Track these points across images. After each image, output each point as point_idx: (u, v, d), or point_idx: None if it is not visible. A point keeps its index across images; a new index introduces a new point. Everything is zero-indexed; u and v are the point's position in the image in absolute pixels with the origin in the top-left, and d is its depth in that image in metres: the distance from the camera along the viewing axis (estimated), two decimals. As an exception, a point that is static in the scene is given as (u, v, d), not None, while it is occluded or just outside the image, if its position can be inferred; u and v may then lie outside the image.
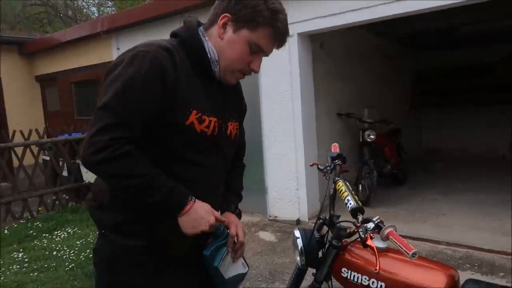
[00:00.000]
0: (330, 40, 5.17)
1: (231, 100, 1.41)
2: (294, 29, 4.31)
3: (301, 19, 4.33)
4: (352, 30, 5.18)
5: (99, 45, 6.92)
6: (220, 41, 1.26)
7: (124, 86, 1.12)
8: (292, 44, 4.46)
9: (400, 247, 1.23)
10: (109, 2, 22.68)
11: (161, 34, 5.77)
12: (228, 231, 1.33)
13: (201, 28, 1.31)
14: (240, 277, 1.40)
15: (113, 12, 20.91)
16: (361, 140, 5.37)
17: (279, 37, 1.27)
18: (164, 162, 1.21)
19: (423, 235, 4.00)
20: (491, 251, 3.56)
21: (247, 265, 1.45)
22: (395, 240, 1.25)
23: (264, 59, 1.35)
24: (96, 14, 21.95)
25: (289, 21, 1.32)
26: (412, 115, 8.28)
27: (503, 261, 3.38)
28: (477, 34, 6.74)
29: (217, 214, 1.26)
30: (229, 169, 1.47)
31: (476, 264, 3.37)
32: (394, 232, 1.29)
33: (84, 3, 21.22)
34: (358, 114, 5.62)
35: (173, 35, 1.30)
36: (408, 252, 1.20)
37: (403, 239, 1.25)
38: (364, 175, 5.16)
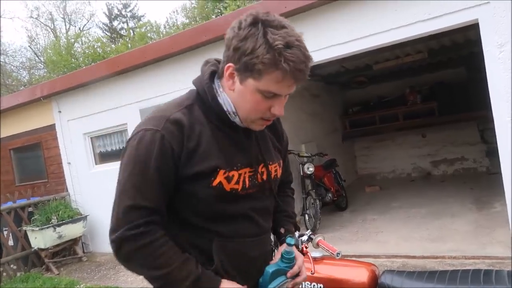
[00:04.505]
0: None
1: (267, 140, 1.38)
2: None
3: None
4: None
5: (39, 109, 6.97)
6: (232, 93, 1.19)
7: (136, 171, 1.15)
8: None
9: (327, 250, 1.62)
10: (40, 64, 22.35)
11: (101, 94, 5.94)
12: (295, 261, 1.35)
13: (217, 78, 1.25)
14: None
15: (45, 74, 20.63)
16: (301, 173, 5.86)
17: (291, 76, 1.09)
18: (202, 222, 1.24)
19: (366, 252, 4.46)
20: (422, 257, 4.07)
21: None
22: (323, 246, 1.64)
23: None
24: (27, 77, 21.48)
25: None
26: (345, 145, 9.06)
27: (433, 264, 3.89)
28: (387, 71, 7.76)
29: None
30: (281, 197, 1.52)
31: (411, 270, 3.85)
32: (322, 240, 1.67)
33: (13, 67, 20.76)
34: (296, 150, 6.13)
35: (194, 83, 1.29)
36: (333, 252, 1.59)
37: (329, 244, 1.64)
38: (309, 205, 5.62)
